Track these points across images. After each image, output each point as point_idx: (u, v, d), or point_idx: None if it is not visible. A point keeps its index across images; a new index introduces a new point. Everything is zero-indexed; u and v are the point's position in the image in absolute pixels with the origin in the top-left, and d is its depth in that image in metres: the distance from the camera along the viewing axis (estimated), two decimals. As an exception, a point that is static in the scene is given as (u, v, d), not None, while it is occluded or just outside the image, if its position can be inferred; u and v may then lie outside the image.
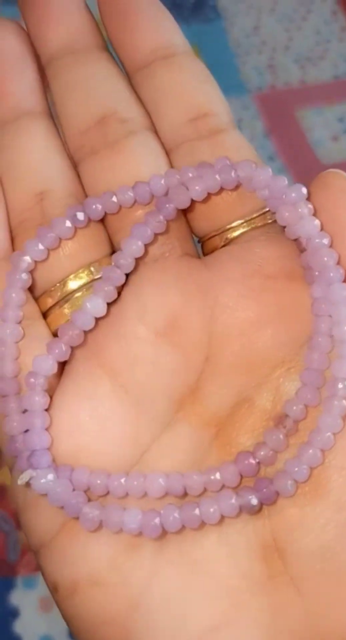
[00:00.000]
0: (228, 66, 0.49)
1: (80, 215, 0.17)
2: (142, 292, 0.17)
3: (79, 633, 0.17)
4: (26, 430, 0.17)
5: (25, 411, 0.17)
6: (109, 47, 0.20)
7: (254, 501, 0.16)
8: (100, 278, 0.17)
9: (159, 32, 0.19)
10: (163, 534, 0.16)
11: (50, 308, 0.18)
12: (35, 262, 0.18)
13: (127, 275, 0.17)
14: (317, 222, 0.17)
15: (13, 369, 0.17)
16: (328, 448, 0.16)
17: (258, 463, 0.16)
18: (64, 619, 0.17)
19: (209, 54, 0.46)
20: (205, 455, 0.17)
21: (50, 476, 0.16)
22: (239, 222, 0.18)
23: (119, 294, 0.17)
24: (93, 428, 0.17)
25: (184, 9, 0.51)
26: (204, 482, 0.16)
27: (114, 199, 0.17)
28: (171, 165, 0.18)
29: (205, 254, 0.18)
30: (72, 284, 0.18)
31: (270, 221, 0.18)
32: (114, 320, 0.17)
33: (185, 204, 0.17)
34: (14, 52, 0.19)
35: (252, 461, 0.16)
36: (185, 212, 0.18)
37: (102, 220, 0.18)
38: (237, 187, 0.17)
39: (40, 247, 0.17)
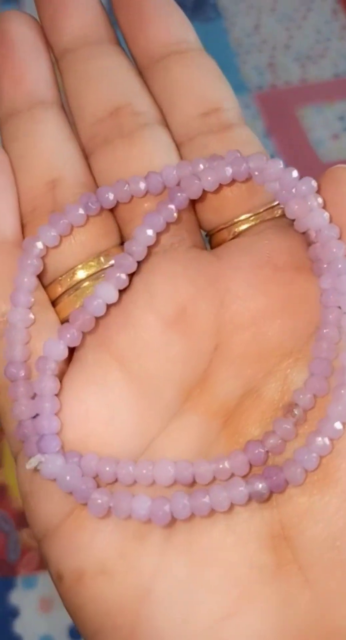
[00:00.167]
0: (228, 65, 0.50)
1: (93, 203, 0.17)
2: (152, 281, 0.17)
3: (84, 624, 0.16)
4: (35, 416, 0.17)
5: (34, 396, 0.17)
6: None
7: (264, 489, 0.16)
8: (109, 267, 0.18)
9: (173, 27, 0.19)
10: (173, 521, 0.16)
11: (59, 296, 0.18)
12: (47, 248, 0.18)
13: (139, 263, 0.18)
14: (327, 214, 0.17)
15: (23, 354, 0.17)
16: (337, 437, 0.16)
17: (267, 452, 0.16)
18: (68, 610, 0.17)
19: (209, 53, 0.46)
20: (213, 445, 0.17)
21: (60, 461, 0.16)
22: (247, 215, 0.18)
23: (130, 282, 0.18)
24: (102, 415, 0.17)
25: (185, 8, 0.51)
26: (213, 471, 0.16)
27: (126, 188, 0.18)
28: (182, 158, 0.19)
29: (212, 247, 0.19)
30: (81, 273, 0.18)
31: (277, 215, 0.18)
32: (124, 308, 0.17)
33: (197, 194, 0.18)
34: (29, 42, 0.19)
35: (261, 450, 0.16)
36: (194, 206, 0.19)
37: (112, 211, 0.19)
38: (247, 179, 0.18)
39: (53, 233, 0.17)
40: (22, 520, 0.36)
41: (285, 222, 0.18)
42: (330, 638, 0.15)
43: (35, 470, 0.16)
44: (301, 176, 0.17)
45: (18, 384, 0.17)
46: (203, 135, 0.18)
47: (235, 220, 0.18)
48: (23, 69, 0.19)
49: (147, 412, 0.17)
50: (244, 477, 0.16)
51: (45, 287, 0.18)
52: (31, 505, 0.17)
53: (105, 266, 0.18)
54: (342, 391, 0.16)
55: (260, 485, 0.16)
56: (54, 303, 0.18)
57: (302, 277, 0.17)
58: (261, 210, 0.18)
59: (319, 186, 0.18)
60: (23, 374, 0.17)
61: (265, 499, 0.16)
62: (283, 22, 0.53)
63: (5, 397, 0.18)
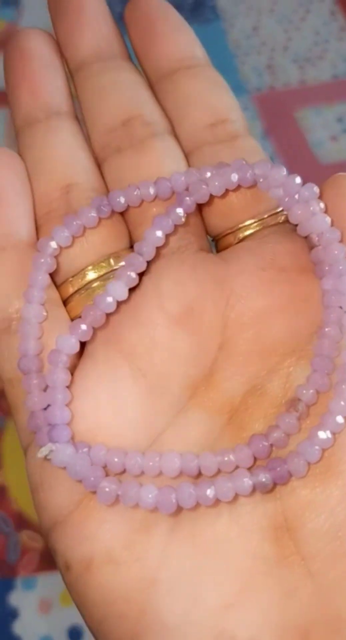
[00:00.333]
0: (227, 67, 0.50)
1: (105, 206, 0.18)
2: (160, 281, 0.18)
3: (91, 613, 0.17)
4: (46, 407, 0.17)
5: (46, 389, 0.18)
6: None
7: (268, 480, 0.16)
8: (119, 268, 0.19)
9: (182, 44, 0.21)
10: (179, 510, 0.17)
11: (70, 296, 0.19)
12: (60, 248, 0.19)
13: (148, 263, 0.18)
14: (328, 218, 0.18)
15: (36, 348, 0.18)
16: (339, 431, 0.16)
17: (271, 446, 0.17)
18: (75, 600, 0.17)
19: (208, 54, 0.46)
20: (218, 440, 0.18)
21: (70, 450, 0.17)
22: (252, 221, 0.19)
23: (139, 282, 0.18)
24: (111, 409, 0.18)
25: (183, 10, 0.51)
26: (218, 463, 0.17)
27: (137, 192, 0.19)
28: (190, 167, 0.20)
29: (218, 252, 0.20)
30: (91, 274, 0.19)
31: (281, 221, 0.19)
32: (134, 306, 0.18)
33: (204, 198, 0.19)
34: (45, 57, 0.21)
35: (265, 443, 0.17)
36: (201, 212, 0.20)
37: (123, 215, 0.20)
38: (252, 186, 0.19)
39: (66, 233, 0.18)
40: (21, 521, 0.36)
41: (288, 227, 0.19)
42: (331, 628, 0.16)
43: (46, 459, 0.17)
44: (299, 177, 0.19)
45: (31, 376, 0.18)
46: (210, 145, 0.20)
47: (240, 225, 0.19)
48: (40, 82, 0.20)
49: (154, 406, 0.18)
50: (248, 469, 0.17)
51: (57, 286, 0.19)
52: (40, 496, 0.18)
53: (115, 267, 0.19)
54: (343, 386, 0.17)
55: (264, 477, 0.16)
56: (65, 302, 0.19)
57: (305, 279, 0.18)
58: (265, 216, 0.19)
59: (321, 192, 0.19)
60: (36, 367, 0.18)
61: (269, 489, 0.16)
62: (281, 23, 0.53)
63: (16, 391, 0.18)
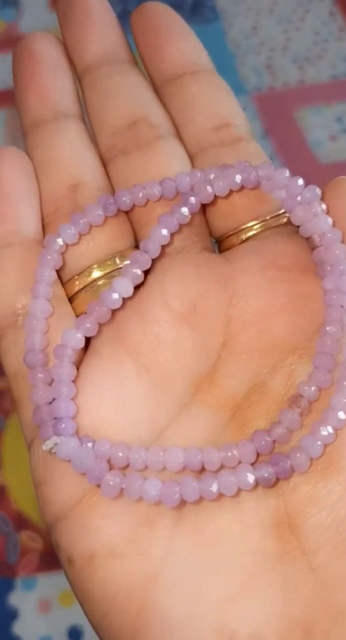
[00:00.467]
0: (226, 67, 0.50)
1: (111, 204, 0.19)
2: (165, 279, 0.19)
3: (93, 607, 0.17)
4: (51, 401, 0.18)
5: (51, 383, 0.18)
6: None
7: (270, 474, 0.16)
8: (124, 266, 0.19)
9: (187, 50, 0.21)
10: (182, 504, 0.17)
11: (76, 293, 0.20)
12: (67, 245, 0.19)
13: (153, 261, 0.19)
14: (330, 220, 0.19)
15: (42, 342, 0.18)
16: (341, 427, 0.17)
17: (274, 441, 0.17)
18: (77, 594, 0.17)
19: (208, 54, 0.47)
20: (221, 436, 0.18)
21: (74, 443, 0.17)
22: (255, 222, 0.20)
23: (144, 280, 0.19)
24: (115, 404, 0.18)
25: (183, 10, 0.52)
26: (221, 458, 0.17)
27: (143, 192, 0.19)
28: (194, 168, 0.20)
29: (221, 252, 0.20)
30: (97, 272, 0.19)
31: (283, 223, 0.20)
32: (138, 304, 0.19)
33: (208, 198, 0.19)
34: (53, 59, 0.21)
35: (268, 439, 0.17)
36: (205, 212, 0.20)
37: (128, 215, 0.20)
38: (255, 187, 0.19)
39: (73, 230, 0.19)
40: (21, 521, 0.36)
41: (291, 228, 0.20)
42: (333, 622, 0.16)
43: (51, 452, 0.17)
44: (301, 179, 0.19)
45: (37, 370, 0.18)
46: (214, 148, 0.20)
47: (243, 226, 0.20)
48: (48, 84, 0.21)
49: (158, 402, 0.18)
50: (251, 464, 0.17)
51: (62, 284, 0.20)
52: (44, 491, 0.18)
53: (120, 266, 0.19)
54: (345, 383, 0.17)
55: (267, 472, 0.17)
56: (70, 300, 0.20)
57: (306, 278, 0.19)
58: (268, 217, 0.20)
59: (322, 194, 0.19)
60: (41, 362, 0.18)
61: (271, 484, 0.17)
62: (281, 23, 0.53)
63: (21, 386, 0.19)
